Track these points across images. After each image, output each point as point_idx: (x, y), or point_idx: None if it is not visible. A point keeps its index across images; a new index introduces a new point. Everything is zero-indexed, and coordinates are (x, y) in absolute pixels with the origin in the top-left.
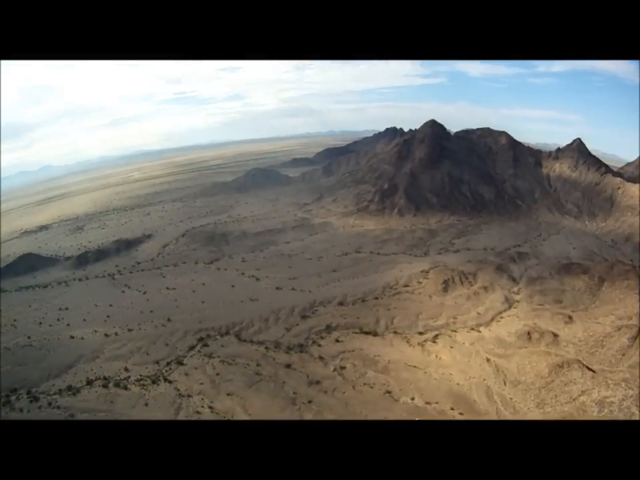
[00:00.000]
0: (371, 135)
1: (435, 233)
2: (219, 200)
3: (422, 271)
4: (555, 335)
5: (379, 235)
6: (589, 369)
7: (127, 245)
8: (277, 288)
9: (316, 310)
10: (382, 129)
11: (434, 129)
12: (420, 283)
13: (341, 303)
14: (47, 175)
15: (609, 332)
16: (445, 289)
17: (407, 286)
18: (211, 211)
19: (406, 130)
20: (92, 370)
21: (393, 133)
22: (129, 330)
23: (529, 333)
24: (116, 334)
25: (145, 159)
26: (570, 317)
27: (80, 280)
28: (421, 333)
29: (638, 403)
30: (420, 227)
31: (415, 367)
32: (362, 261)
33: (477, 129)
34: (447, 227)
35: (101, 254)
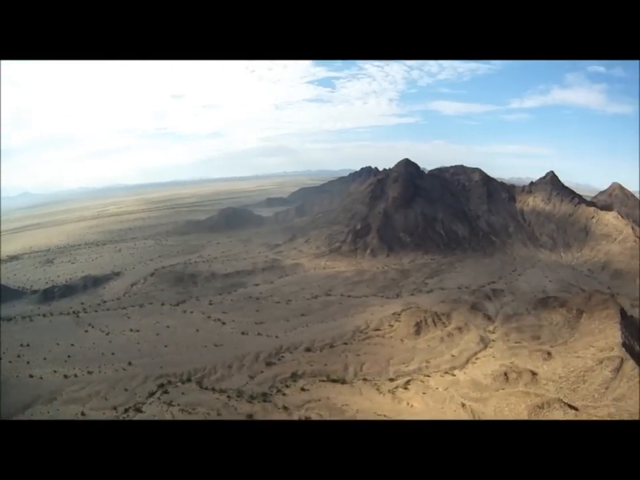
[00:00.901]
0: (346, 174)
1: (407, 273)
2: (191, 239)
3: (394, 314)
4: (534, 374)
5: (351, 276)
6: (571, 407)
7: (94, 282)
8: (243, 333)
9: (282, 356)
10: (358, 168)
11: (407, 168)
12: (391, 326)
13: (308, 349)
14: (26, 201)
15: (591, 366)
16: (418, 332)
17: (378, 329)
18: (182, 250)
19: (381, 169)
20: (48, 412)
21: (367, 172)
22: (89, 372)
23: (505, 374)
24: (75, 375)
25: (123, 193)
26: (549, 353)
27: (44, 316)
28: (391, 379)
29: None
30: (392, 267)
31: (384, 416)
32: (332, 304)
33: (451, 166)
34: (420, 267)
35: (67, 290)
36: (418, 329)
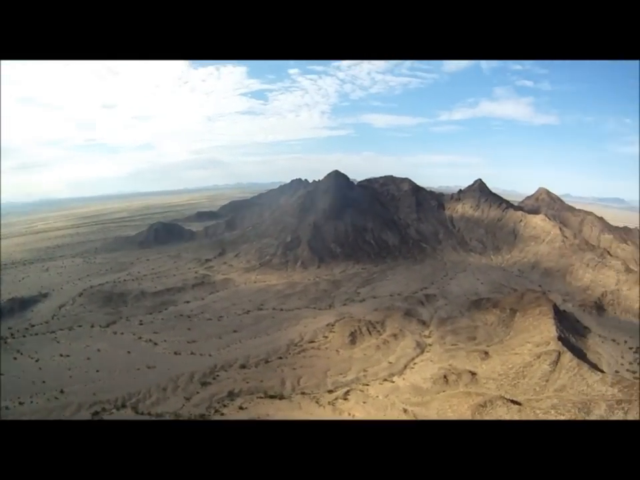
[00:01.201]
0: (278, 187)
1: (339, 283)
2: (120, 256)
3: (327, 325)
4: (473, 374)
5: (282, 289)
6: (514, 402)
7: (21, 305)
8: (176, 353)
9: (217, 375)
10: (289, 180)
11: (337, 179)
12: (326, 337)
13: (243, 366)
14: None
15: (529, 361)
16: (353, 341)
17: (313, 342)
18: (111, 268)
19: (312, 181)
20: None
21: (298, 184)
22: (20, 403)
23: (445, 376)
24: (7, 408)
25: (51, 208)
26: (486, 353)
27: None
28: (330, 391)
29: None
30: (324, 278)
31: None
32: (264, 318)
33: (380, 177)
34: (351, 277)
35: None
36: (353, 339)
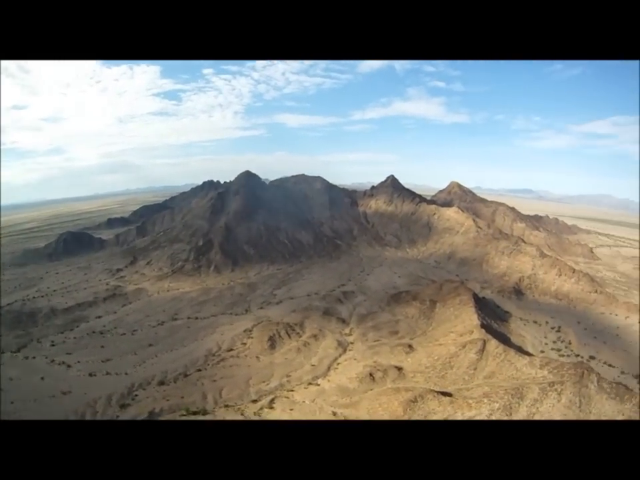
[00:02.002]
0: (190, 189)
1: (254, 286)
2: (29, 271)
3: (245, 330)
4: (399, 369)
5: (196, 296)
6: (445, 394)
7: None
8: (91, 374)
9: (135, 395)
10: (202, 182)
11: (248, 180)
12: (244, 344)
13: (161, 382)
14: None
15: (455, 351)
16: (272, 346)
17: (231, 350)
18: (20, 285)
19: (223, 182)
20: None
21: (209, 186)
22: None
23: (371, 374)
24: None
25: None
26: (410, 346)
27: None
28: (254, 401)
29: (507, 414)
30: (238, 282)
31: None
32: (179, 329)
33: (292, 176)
34: (267, 278)
35: None
36: (272, 343)
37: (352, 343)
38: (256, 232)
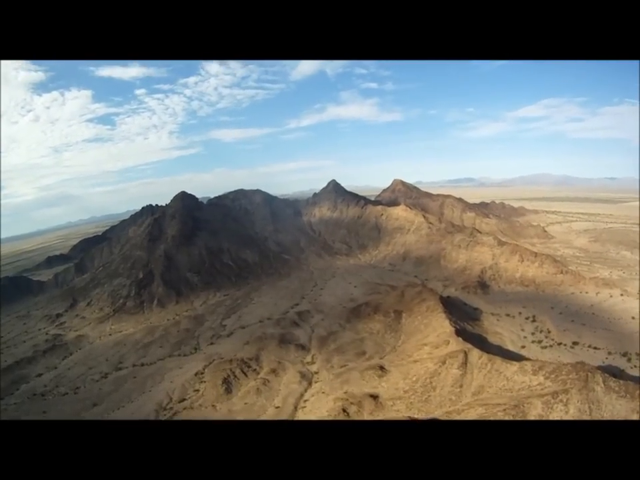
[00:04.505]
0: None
1: (202, 318)
2: None
3: (196, 374)
4: (375, 397)
5: (140, 338)
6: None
7: None
8: None
9: None
10: (141, 208)
11: (184, 201)
12: (197, 390)
13: None
14: None
15: (434, 369)
16: (228, 390)
17: (183, 400)
18: None
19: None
20: None
21: (148, 211)
22: None
23: (344, 409)
24: None
25: None
26: (382, 368)
27: None
28: None
29: None
30: (184, 315)
31: None
32: (125, 380)
33: (230, 192)
34: (214, 307)
35: None
36: (228, 387)
37: (316, 373)
38: (197, 257)
